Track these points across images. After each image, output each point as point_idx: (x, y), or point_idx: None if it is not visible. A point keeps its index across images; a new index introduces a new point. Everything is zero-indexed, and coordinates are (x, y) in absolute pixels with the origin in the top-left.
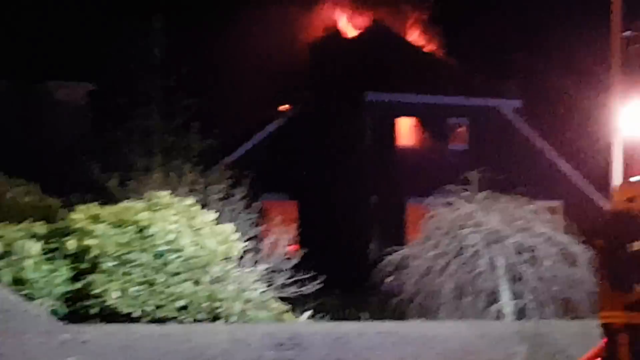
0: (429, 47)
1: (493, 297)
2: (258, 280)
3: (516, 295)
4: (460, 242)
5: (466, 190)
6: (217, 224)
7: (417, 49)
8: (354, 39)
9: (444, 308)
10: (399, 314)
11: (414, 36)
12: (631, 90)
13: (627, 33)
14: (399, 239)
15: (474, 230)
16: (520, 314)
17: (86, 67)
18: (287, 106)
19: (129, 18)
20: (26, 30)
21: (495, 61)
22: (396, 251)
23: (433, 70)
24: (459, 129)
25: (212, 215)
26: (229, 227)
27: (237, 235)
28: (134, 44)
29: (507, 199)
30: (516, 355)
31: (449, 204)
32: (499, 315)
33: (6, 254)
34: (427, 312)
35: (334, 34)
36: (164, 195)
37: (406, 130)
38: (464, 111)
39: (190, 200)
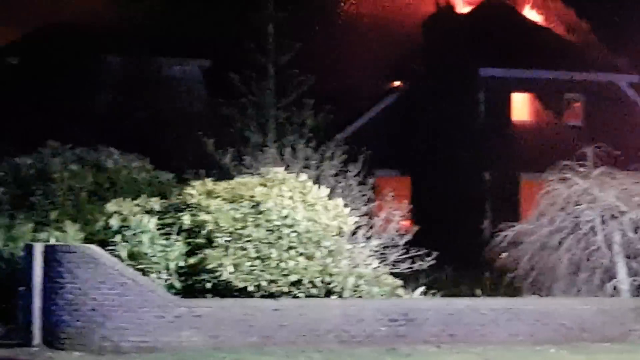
0: (543, 21)
1: (609, 274)
2: (371, 256)
3: (633, 272)
4: (576, 219)
5: (582, 166)
6: (331, 199)
7: (531, 23)
8: (467, 14)
9: (559, 285)
10: (513, 291)
11: (528, 10)
12: None
13: None
14: (513, 215)
15: (590, 206)
16: (637, 291)
17: (200, 44)
18: (400, 82)
19: None
20: (142, 6)
21: (611, 35)
22: (510, 227)
23: (548, 45)
24: (575, 104)
25: (325, 190)
26: (342, 202)
27: (350, 210)
28: (248, 20)
29: (623, 175)
30: (634, 333)
31: (564, 179)
32: (615, 292)
33: (122, 229)
34: (542, 288)
35: (447, 8)
36: (278, 171)
37: (521, 105)
38: (579, 86)
39: (303, 176)
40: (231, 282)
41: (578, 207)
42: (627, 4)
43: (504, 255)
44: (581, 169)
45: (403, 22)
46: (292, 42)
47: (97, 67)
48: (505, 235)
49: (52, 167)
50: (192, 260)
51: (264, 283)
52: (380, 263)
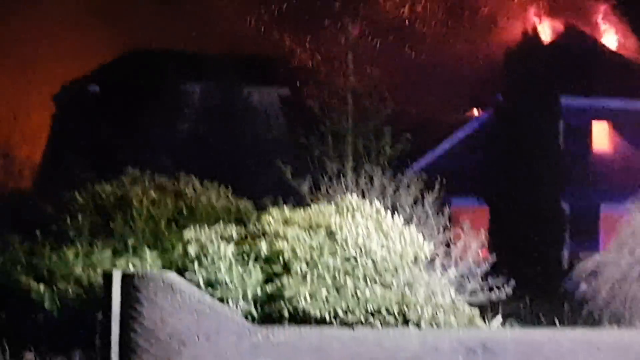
0: (623, 49)
1: None
2: (448, 285)
3: None
4: None
5: None
6: (407, 228)
7: (612, 52)
8: (549, 43)
9: None
10: (593, 321)
11: (607, 37)
12: None
13: None
14: (593, 245)
15: None
16: None
17: (279, 71)
18: (479, 111)
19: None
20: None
21: None
22: (589, 257)
23: (629, 74)
24: None
25: (401, 219)
26: (418, 231)
27: (427, 239)
28: (328, 47)
29: None
30: None
31: None
32: None
33: (200, 256)
34: (622, 320)
35: (533, 37)
36: (355, 200)
37: (602, 134)
38: None
39: (380, 205)
40: (308, 310)
41: None
42: None
43: (583, 285)
44: None
45: (484, 50)
46: (372, 70)
47: (177, 94)
48: (585, 266)
49: (132, 195)
50: (269, 288)
51: (340, 312)
52: (457, 292)
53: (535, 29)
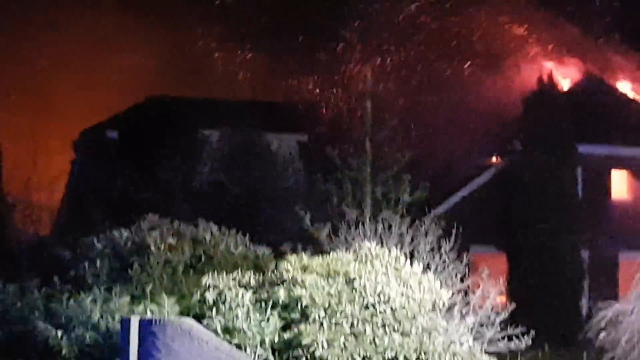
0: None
1: None
2: (467, 334)
3: None
4: None
5: None
6: (425, 275)
7: (630, 100)
8: (567, 91)
9: None
10: None
11: (624, 85)
12: None
13: None
14: (612, 294)
15: None
16: None
17: (298, 118)
18: (497, 158)
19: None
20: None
21: None
22: (609, 306)
23: None
24: None
25: (420, 266)
26: (437, 278)
27: (445, 287)
28: (347, 95)
29: None
30: None
31: None
32: None
33: (218, 303)
34: None
35: (550, 85)
36: (373, 247)
37: (620, 182)
38: None
39: (398, 252)
40: (325, 358)
41: None
42: None
43: (602, 334)
44: None
45: (501, 98)
46: (390, 118)
47: (196, 141)
48: (604, 315)
49: (150, 241)
50: (286, 335)
51: (358, 359)
52: (476, 341)
53: (553, 77)
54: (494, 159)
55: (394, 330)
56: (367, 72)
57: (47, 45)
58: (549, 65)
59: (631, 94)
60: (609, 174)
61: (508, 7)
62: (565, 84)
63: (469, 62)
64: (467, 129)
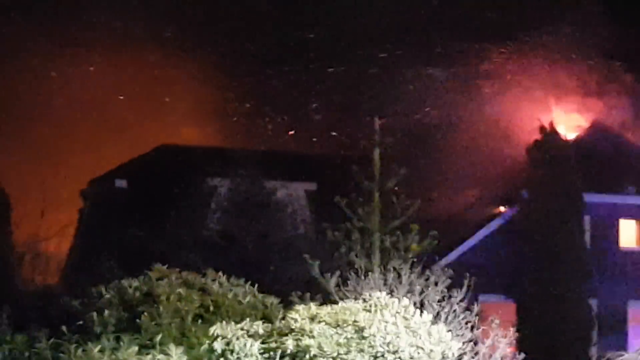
0: None
1: None
2: None
3: None
4: None
5: None
6: (435, 325)
7: (637, 148)
8: (572, 140)
9: None
10: None
11: (632, 133)
12: None
13: None
14: (620, 344)
15: None
16: None
17: (306, 167)
18: (505, 207)
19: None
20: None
21: None
22: (618, 356)
23: None
24: None
25: (429, 316)
26: (446, 328)
27: (455, 337)
28: (353, 145)
29: None
30: None
31: None
32: None
33: (226, 352)
34: None
35: (552, 135)
36: (382, 296)
37: (629, 232)
38: None
39: (407, 301)
40: None
41: None
42: None
43: None
44: None
45: (508, 147)
46: (399, 167)
47: (204, 189)
48: None
49: (159, 290)
50: None
51: None
52: None
53: (557, 126)
54: (502, 208)
55: None
56: (375, 120)
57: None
58: (556, 115)
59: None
60: (617, 223)
61: (512, 56)
62: (572, 133)
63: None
64: (476, 179)
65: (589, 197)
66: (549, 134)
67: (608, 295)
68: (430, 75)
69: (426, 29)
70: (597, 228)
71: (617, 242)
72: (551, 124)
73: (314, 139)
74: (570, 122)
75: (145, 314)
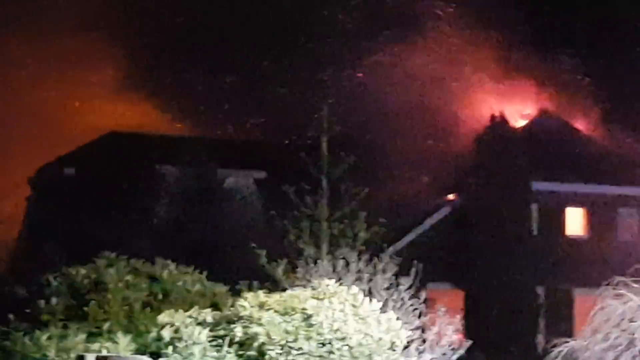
0: (597, 134)
1: None
2: None
3: None
4: (631, 335)
5: (637, 282)
6: (383, 312)
7: (586, 137)
8: (521, 128)
9: None
10: None
11: (581, 123)
12: None
13: None
14: (567, 331)
15: None
16: None
17: (255, 155)
18: (454, 194)
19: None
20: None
21: None
22: (564, 343)
23: (602, 159)
24: (629, 219)
25: (377, 304)
26: (394, 315)
27: (403, 324)
28: (302, 133)
29: None
30: None
31: (619, 295)
32: None
33: (174, 340)
34: None
35: (501, 123)
36: (330, 284)
37: (575, 219)
38: (634, 201)
39: (356, 289)
40: None
41: (633, 323)
42: None
43: None
44: (636, 285)
45: (458, 135)
46: (347, 155)
47: (153, 177)
48: (559, 351)
49: (107, 278)
50: None
51: None
52: None
53: (506, 115)
54: (450, 196)
55: None
56: (324, 110)
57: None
58: (505, 104)
59: (586, 131)
60: (564, 210)
61: (462, 46)
62: (520, 122)
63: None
64: (424, 167)
65: (537, 185)
66: (498, 123)
67: (555, 282)
68: (380, 63)
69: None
70: (544, 216)
71: (563, 230)
72: (500, 113)
73: (264, 128)
74: (519, 111)
75: (94, 301)
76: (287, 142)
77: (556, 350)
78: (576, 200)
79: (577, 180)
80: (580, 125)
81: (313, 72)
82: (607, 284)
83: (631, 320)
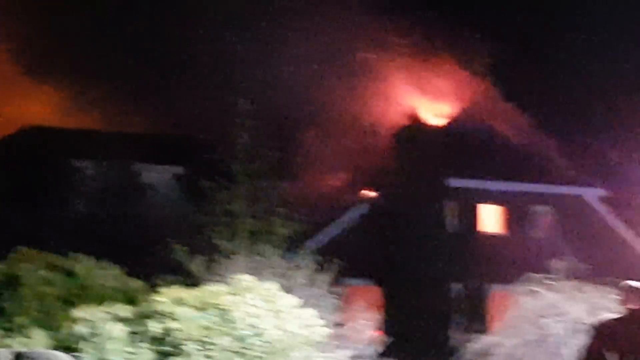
0: (513, 133)
1: None
2: None
3: None
4: (544, 332)
5: (549, 278)
6: (300, 308)
7: (501, 135)
8: (438, 127)
9: None
10: None
11: (496, 121)
12: None
13: None
14: (482, 327)
15: (557, 319)
16: None
17: (174, 150)
18: (373, 191)
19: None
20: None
21: (579, 150)
22: (479, 338)
23: (517, 157)
24: (543, 217)
25: (294, 299)
26: (311, 311)
27: (320, 320)
28: (221, 128)
29: (591, 288)
30: None
31: (532, 292)
32: None
33: (91, 336)
34: None
35: (418, 121)
36: (247, 279)
37: (489, 217)
38: (548, 199)
39: (273, 285)
40: None
41: (545, 319)
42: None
43: None
44: (549, 282)
45: (376, 132)
46: (265, 150)
47: (69, 172)
48: (474, 347)
49: (22, 273)
50: None
51: None
52: None
53: (421, 113)
54: (368, 192)
55: None
56: (243, 104)
57: None
58: (420, 101)
59: (501, 129)
60: (479, 208)
61: (380, 43)
62: (436, 119)
63: (343, 95)
64: (342, 163)
65: (452, 182)
66: (414, 120)
67: (470, 279)
68: (302, 57)
69: (298, 12)
70: (460, 213)
71: (479, 227)
72: (416, 110)
73: (182, 123)
74: (435, 109)
75: (8, 297)
76: (205, 137)
77: (470, 346)
78: (491, 197)
79: (492, 178)
80: (495, 123)
81: (231, 67)
82: (521, 281)
83: (544, 317)
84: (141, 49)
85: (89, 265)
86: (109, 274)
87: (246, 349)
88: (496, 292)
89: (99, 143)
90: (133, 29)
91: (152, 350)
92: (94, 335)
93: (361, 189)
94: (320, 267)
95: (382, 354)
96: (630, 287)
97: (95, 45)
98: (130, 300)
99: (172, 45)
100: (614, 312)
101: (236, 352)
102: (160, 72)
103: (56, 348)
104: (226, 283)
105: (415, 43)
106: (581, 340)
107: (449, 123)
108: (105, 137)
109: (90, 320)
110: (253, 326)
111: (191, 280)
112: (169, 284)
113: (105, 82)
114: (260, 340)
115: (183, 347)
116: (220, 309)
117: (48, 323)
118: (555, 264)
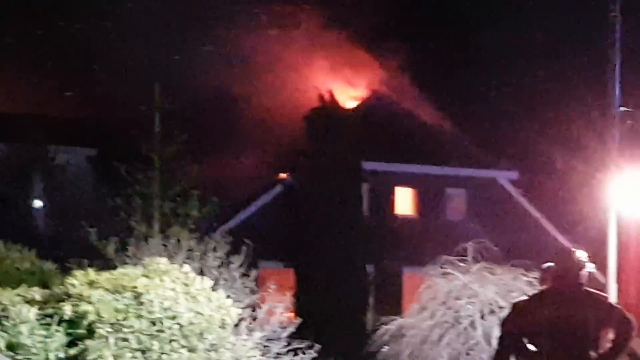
0: (426, 117)
1: None
2: (254, 348)
3: None
4: (456, 313)
5: (463, 260)
6: (214, 291)
7: (415, 119)
8: (352, 109)
9: None
10: None
11: (410, 104)
12: (626, 165)
13: (622, 109)
14: (396, 308)
15: (470, 301)
16: None
17: (87, 132)
18: (286, 174)
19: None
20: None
21: (492, 133)
22: (392, 320)
23: (431, 141)
24: (457, 199)
25: (209, 282)
26: (225, 294)
27: (234, 302)
28: (135, 109)
29: (502, 271)
30: None
31: (446, 274)
32: None
33: (1, 319)
34: None
35: (330, 103)
36: (162, 262)
37: (404, 199)
38: (461, 182)
39: (187, 267)
40: None
41: (458, 301)
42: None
43: (385, 348)
44: (462, 264)
45: (291, 114)
46: (179, 133)
47: None
48: (388, 329)
49: None
50: (72, 352)
51: None
52: (263, 355)
53: (336, 95)
54: (282, 175)
55: (182, 346)
56: (155, 87)
57: None
58: (334, 84)
59: (416, 113)
60: (393, 190)
61: (294, 26)
62: (350, 102)
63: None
64: (257, 144)
65: (367, 165)
66: (327, 103)
67: (384, 260)
68: (215, 41)
69: None
70: (374, 195)
71: (393, 209)
72: (330, 93)
73: (96, 104)
74: (349, 92)
75: None
76: (119, 118)
77: (384, 328)
78: (405, 180)
79: (406, 161)
80: (409, 106)
81: (147, 50)
82: (435, 263)
83: (457, 298)
84: (56, 31)
85: (2, 249)
86: (22, 257)
87: (161, 331)
88: (410, 274)
89: (12, 125)
90: (51, 8)
91: (65, 333)
92: (5, 318)
93: (276, 172)
94: (235, 250)
95: (295, 335)
96: (548, 267)
97: (4, 23)
98: (43, 283)
99: (88, 28)
100: (525, 294)
101: (150, 335)
102: (77, 54)
103: None
104: (140, 266)
105: (330, 28)
106: (493, 322)
107: (363, 106)
108: (18, 119)
109: (2, 304)
110: (167, 309)
111: (106, 263)
112: (84, 267)
113: (17, 63)
114: (175, 324)
115: (97, 330)
116: (134, 292)
117: None
118: (469, 246)
